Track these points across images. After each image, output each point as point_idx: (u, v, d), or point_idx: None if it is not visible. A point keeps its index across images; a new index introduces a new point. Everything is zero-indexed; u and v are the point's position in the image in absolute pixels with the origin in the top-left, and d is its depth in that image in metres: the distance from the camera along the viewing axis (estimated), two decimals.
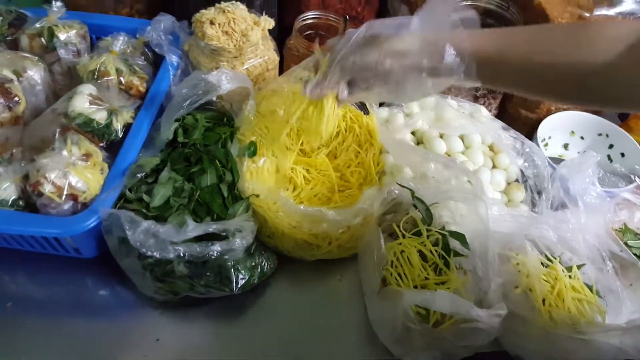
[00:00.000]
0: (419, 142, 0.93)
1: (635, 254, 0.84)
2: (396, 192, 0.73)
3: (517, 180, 0.91)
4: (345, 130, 0.86)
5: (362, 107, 0.89)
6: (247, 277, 0.68)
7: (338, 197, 0.79)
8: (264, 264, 0.72)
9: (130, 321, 0.70)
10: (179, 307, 0.71)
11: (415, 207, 0.74)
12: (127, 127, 0.75)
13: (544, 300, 0.73)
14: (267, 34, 0.86)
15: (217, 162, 0.74)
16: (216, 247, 0.62)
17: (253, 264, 0.70)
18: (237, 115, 0.80)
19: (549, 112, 1.00)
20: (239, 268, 0.68)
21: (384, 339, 0.68)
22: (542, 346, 0.69)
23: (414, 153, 0.79)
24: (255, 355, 0.69)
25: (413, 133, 0.94)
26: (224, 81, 0.72)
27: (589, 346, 0.68)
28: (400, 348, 0.66)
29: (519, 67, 0.57)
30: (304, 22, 0.93)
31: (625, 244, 0.85)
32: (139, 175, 0.68)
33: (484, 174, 0.87)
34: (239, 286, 0.67)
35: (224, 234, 0.64)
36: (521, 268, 0.73)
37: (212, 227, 0.63)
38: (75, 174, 0.66)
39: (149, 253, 0.60)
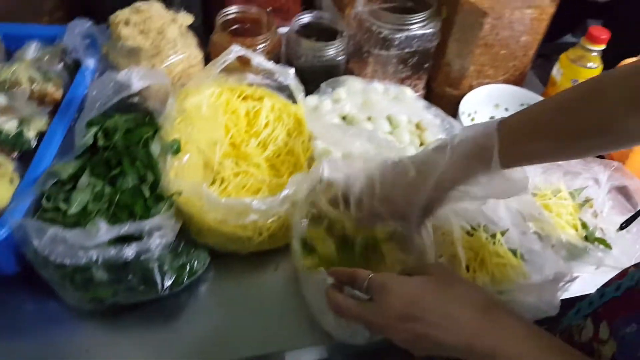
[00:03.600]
0: None
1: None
2: (325, 171, 0.65)
3: None
4: (274, 121, 0.78)
5: (290, 96, 0.80)
6: (174, 278, 0.60)
7: (267, 187, 0.70)
8: (194, 262, 0.63)
9: (59, 335, 0.60)
10: (108, 315, 0.61)
11: None
12: (42, 136, 0.65)
13: (468, 267, 0.68)
14: (187, 30, 0.76)
15: (139, 162, 0.64)
16: (132, 248, 0.53)
17: (181, 263, 0.62)
18: (160, 113, 0.71)
19: (471, 88, 0.94)
20: (164, 269, 0.59)
21: (324, 323, 0.60)
22: None
23: (339, 131, 0.72)
24: (192, 356, 0.60)
25: (343, 119, 0.86)
26: (134, 79, 0.62)
27: (511, 307, 0.62)
28: (339, 329, 0.59)
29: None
30: (227, 17, 0.84)
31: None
32: (51, 181, 0.59)
33: (409, 151, 0.80)
34: (165, 287, 0.58)
35: (142, 236, 0.56)
36: (445, 238, 0.67)
37: (125, 228, 0.54)
38: None
39: (59, 261, 0.51)
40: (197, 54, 0.78)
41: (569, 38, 1.26)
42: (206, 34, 0.86)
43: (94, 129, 0.66)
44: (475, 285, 0.47)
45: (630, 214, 0.86)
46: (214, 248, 0.68)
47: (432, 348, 0.44)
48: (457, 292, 0.44)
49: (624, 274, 0.56)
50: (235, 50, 0.69)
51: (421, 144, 0.85)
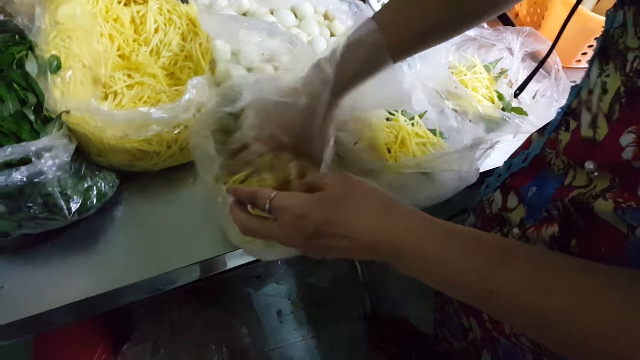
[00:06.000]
0: None
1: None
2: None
3: None
4: (165, 25, 0.75)
5: None
6: (80, 201, 0.60)
7: (167, 96, 0.70)
8: (101, 185, 0.63)
9: None
10: (19, 249, 0.62)
11: None
12: None
13: (389, 150, 0.72)
14: None
15: (16, 85, 0.62)
16: (21, 172, 0.52)
17: (86, 186, 0.62)
18: (31, 29, 0.66)
19: None
20: (68, 193, 0.59)
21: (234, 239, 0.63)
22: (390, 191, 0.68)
23: (236, 25, 0.70)
24: (115, 276, 0.62)
25: (244, 15, 0.84)
26: None
27: (433, 180, 0.68)
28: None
29: None
30: None
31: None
32: None
33: (320, 43, 0.81)
34: (72, 212, 0.59)
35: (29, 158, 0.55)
36: (360, 124, 0.70)
37: (8, 150, 0.53)
38: None
39: None
40: None
41: None
42: None
43: None
44: (373, 189, 0.48)
45: (544, 80, 0.93)
46: (123, 169, 0.68)
47: (342, 255, 0.47)
48: (356, 203, 0.46)
49: (528, 141, 0.61)
50: None
51: (332, 35, 0.86)
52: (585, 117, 0.44)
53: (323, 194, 0.47)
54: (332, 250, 0.46)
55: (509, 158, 0.63)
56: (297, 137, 0.60)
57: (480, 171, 0.74)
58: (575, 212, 0.44)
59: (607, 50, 0.42)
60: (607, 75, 0.41)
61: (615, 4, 0.41)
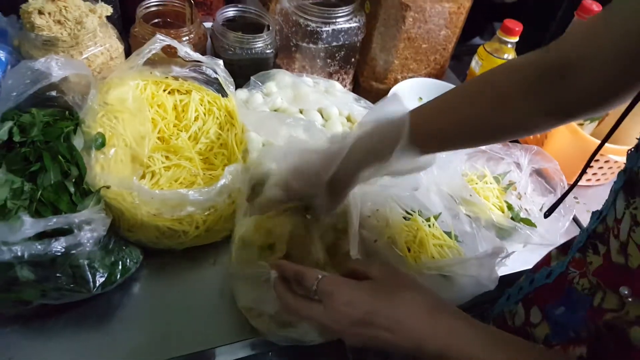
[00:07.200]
0: None
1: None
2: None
3: None
4: (205, 114, 0.81)
5: (219, 90, 0.84)
6: (105, 275, 0.60)
7: (202, 179, 0.73)
8: (126, 260, 0.64)
9: None
10: (33, 319, 0.60)
11: None
12: None
13: (409, 249, 0.74)
14: (106, 21, 0.77)
15: (60, 157, 0.64)
16: (61, 243, 0.53)
17: (113, 260, 0.62)
18: (81, 107, 0.71)
19: (396, 82, 1.02)
20: (96, 266, 0.59)
21: (255, 322, 0.63)
22: None
23: (275, 121, 0.76)
24: (127, 358, 0.60)
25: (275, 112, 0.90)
26: (54, 68, 0.62)
27: (452, 284, 0.69)
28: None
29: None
30: (149, 10, 0.86)
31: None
32: None
33: None
34: (97, 285, 0.59)
35: (71, 229, 0.56)
36: (380, 222, 0.73)
37: (53, 221, 0.54)
38: None
39: None
40: (118, 46, 0.79)
41: (477, 40, 1.39)
42: (125, 28, 0.87)
43: (8, 124, 0.65)
44: (421, 286, 0.50)
45: (550, 195, 0.98)
46: (148, 245, 0.68)
47: (382, 347, 0.48)
48: (404, 297, 0.48)
49: (547, 258, 0.64)
50: (160, 40, 0.71)
51: None
52: (614, 244, 0.46)
53: (372, 283, 0.49)
54: (374, 341, 0.47)
55: (530, 272, 0.64)
56: (307, 185, 0.60)
57: None
58: (608, 335, 0.46)
59: (632, 185, 0.45)
60: (636, 208, 0.43)
61: (637, 145, 0.46)
